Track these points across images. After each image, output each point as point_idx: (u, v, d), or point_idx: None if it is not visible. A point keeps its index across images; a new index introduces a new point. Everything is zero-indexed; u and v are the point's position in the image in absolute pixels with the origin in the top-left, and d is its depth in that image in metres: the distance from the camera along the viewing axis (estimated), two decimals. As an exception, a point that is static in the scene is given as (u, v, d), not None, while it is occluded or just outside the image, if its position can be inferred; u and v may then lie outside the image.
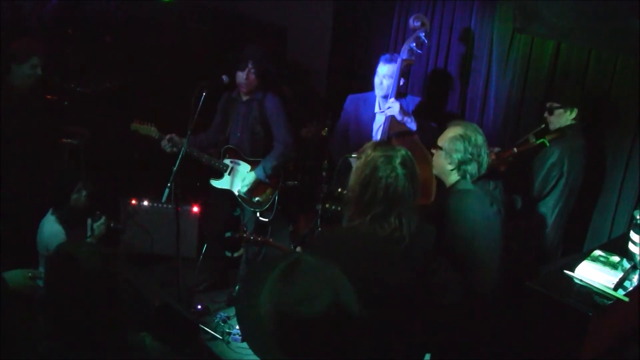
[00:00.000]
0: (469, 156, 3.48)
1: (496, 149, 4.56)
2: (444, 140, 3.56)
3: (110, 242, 5.13)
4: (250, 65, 4.98)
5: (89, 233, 4.35)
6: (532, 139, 4.65)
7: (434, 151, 3.63)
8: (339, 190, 4.05)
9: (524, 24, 4.62)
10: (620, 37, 4.05)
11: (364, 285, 2.92)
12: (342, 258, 2.89)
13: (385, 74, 4.83)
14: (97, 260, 2.49)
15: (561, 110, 4.56)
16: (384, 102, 4.86)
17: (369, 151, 3.01)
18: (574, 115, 4.56)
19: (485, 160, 3.54)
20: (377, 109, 5.02)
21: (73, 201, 4.33)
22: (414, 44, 4.81)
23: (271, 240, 4.00)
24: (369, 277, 2.93)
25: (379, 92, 4.92)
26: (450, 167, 3.54)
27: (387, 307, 2.97)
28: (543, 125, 4.66)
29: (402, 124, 4.76)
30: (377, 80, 4.90)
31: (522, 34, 4.91)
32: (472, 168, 3.51)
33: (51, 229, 4.26)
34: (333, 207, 4.48)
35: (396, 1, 6.02)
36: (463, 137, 3.49)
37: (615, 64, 4.52)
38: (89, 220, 4.37)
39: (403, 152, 2.98)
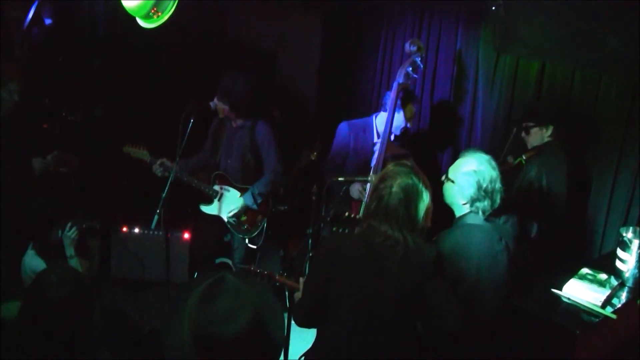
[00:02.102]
0: (483, 193, 3.40)
1: None
2: (456, 173, 3.48)
3: (101, 268, 5.15)
4: (218, 94, 4.97)
5: (66, 249, 4.31)
6: (510, 159, 4.69)
7: (444, 180, 3.57)
8: (347, 213, 4.05)
9: (504, 44, 4.67)
10: (599, 56, 4.08)
11: (360, 286, 3.01)
12: (341, 259, 3.04)
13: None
14: (65, 288, 2.48)
15: (536, 129, 4.64)
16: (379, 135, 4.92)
17: (390, 166, 3.20)
18: (549, 132, 4.63)
19: (498, 195, 3.45)
20: (375, 138, 4.98)
21: (52, 237, 4.31)
22: (411, 69, 4.83)
23: (277, 276, 3.96)
24: (365, 278, 3.02)
25: (398, 131, 4.95)
26: (462, 201, 3.46)
27: (382, 309, 3.03)
28: (511, 138, 4.74)
29: (398, 146, 4.80)
30: (401, 124, 4.93)
31: (503, 54, 4.95)
32: (484, 205, 3.43)
33: (31, 262, 4.23)
34: (341, 230, 4.48)
35: (383, 24, 6.07)
36: (477, 173, 3.41)
37: (599, 81, 4.56)
38: (59, 232, 4.31)
39: (411, 180, 3.05)
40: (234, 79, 4.98)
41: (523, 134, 4.71)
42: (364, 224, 3.13)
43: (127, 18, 4.35)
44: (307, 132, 6.60)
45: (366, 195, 3.98)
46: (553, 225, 4.58)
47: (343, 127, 5.09)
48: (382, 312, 3.04)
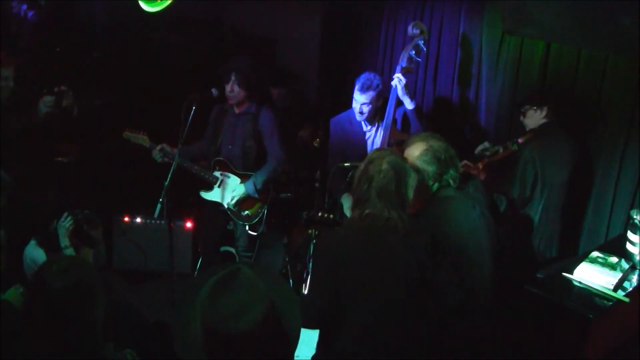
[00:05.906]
0: (444, 164, 3.52)
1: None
2: (413, 160, 3.53)
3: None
4: (233, 77, 4.92)
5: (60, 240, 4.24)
6: (510, 145, 4.60)
7: None
8: (320, 214, 4.01)
9: (513, 25, 4.61)
10: (611, 36, 4.03)
11: (371, 276, 3.03)
12: (347, 256, 3.05)
13: (363, 102, 4.73)
14: (68, 277, 2.43)
15: (531, 111, 4.63)
16: (366, 124, 4.88)
17: (373, 152, 3.31)
18: (544, 113, 4.60)
19: (457, 160, 3.61)
20: (365, 127, 4.94)
21: (51, 227, 4.24)
22: (414, 52, 4.82)
23: None
24: (375, 266, 3.05)
25: (359, 117, 4.84)
26: (430, 182, 3.55)
27: (393, 295, 3.05)
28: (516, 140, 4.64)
29: (400, 132, 4.75)
30: (355, 105, 4.80)
31: (511, 35, 4.88)
32: (452, 174, 3.56)
33: (32, 252, 4.18)
34: (316, 233, 4.41)
35: (384, 9, 6.01)
36: (430, 150, 3.53)
37: (605, 63, 4.50)
38: (54, 222, 4.26)
39: (398, 159, 3.18)
40: (246, 63, 4.97)
41: (521, 118, 4.72)
42: (360, 213, 3.14)
43: (127, 6, 4.30)
44: (309, 119, 6.53)
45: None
46: (551, 209, 4.56)
47: (331, 125, 5.11)
48: (395, 296, 3.05)
